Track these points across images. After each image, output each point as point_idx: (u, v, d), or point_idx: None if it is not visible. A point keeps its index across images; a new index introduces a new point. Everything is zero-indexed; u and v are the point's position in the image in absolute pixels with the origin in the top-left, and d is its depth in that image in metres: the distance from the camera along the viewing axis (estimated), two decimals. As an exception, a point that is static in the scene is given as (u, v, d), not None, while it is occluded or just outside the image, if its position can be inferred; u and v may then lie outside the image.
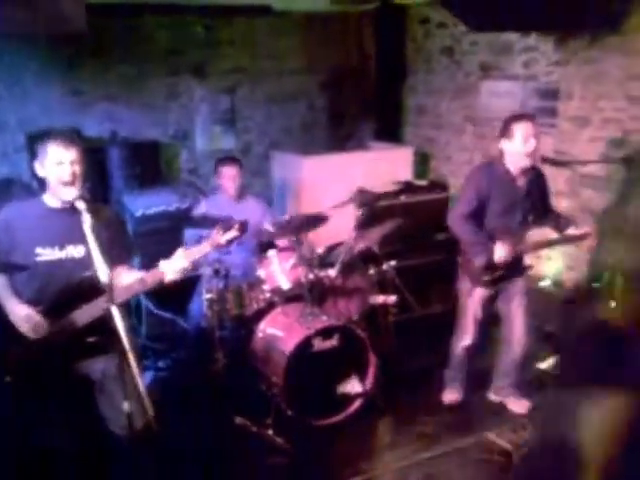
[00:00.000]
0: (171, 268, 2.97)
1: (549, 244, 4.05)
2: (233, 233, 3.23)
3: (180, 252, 3.01)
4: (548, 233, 4.01)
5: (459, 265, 3.99)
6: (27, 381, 2.91)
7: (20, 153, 5.75)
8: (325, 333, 3.90)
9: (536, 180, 3.84)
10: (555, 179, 5.34)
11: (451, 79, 6.60)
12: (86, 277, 2.91)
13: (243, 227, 3.25)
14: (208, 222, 4.13)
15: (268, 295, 4.24)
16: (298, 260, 4.16)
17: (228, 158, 4.92)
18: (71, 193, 2.88)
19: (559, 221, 3.93)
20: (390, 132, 7.19)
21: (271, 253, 4.29)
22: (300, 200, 5.95)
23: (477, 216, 3.77)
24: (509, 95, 5.59)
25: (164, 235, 4.97)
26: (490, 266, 3.74)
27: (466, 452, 3.72)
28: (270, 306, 4.26)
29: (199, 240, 3.82)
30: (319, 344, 3.90)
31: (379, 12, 6.97)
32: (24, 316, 2.86)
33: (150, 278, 2.99)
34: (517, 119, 3.71)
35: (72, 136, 2.97)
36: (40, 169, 2.97)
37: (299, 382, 3.83)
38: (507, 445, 3.67)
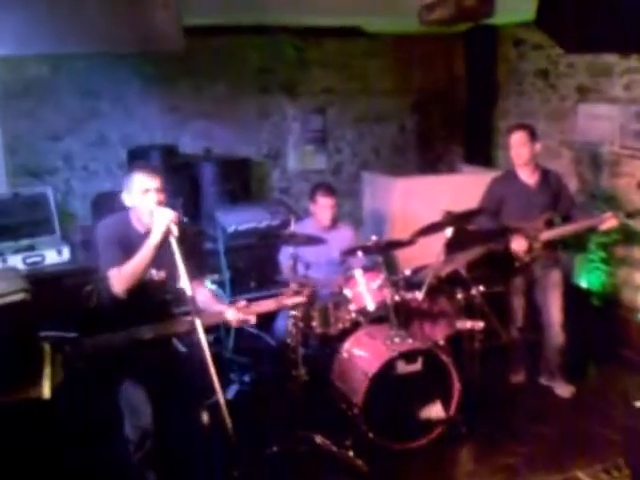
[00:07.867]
0: (235, 317, 3.17)
1: (571, 231, 4.51)
2: (300, 299, 3.34)
3: (244, 304, 3.21)
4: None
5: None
6: (98, 371, 3.04)
7: (123, 169, 5.90)
8: (409, 356, 3.87)
9: (546, 180, 4.42)
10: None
11: (545, 102, 6.43)
12: (166, 299, 3.08)
13: (312, 295, 3.33)
14: (302, 240, 4.18)
15: (354, 315, 4.24)
16: (384, 281, 4.15)
17: (326, 187, 4.81)
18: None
19: (580, 215, 4.50)
20: (480, 155, 7.08)
21: (358, 273, 4.30)
22: (391, 221, 5.93)
23: (496, 213, 4.45)
24: (608, 119, 5.40)
25: (254, 251, 5.10)
26: (516, 255, 4.30)
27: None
28: (355, 326, 4.26)
29: (293, 258, 3.95)
30: (402, 367, 3.87)
31: (470, 33, 6.91)
32: None
33: (211, 318, 3.16)
34: (508, 131, 4.46)
35: (154, 166, 3.19)
36: (128, 198, 3.16)
37: (380, 404, 3.82)
38: (598, 487, 3.45)
